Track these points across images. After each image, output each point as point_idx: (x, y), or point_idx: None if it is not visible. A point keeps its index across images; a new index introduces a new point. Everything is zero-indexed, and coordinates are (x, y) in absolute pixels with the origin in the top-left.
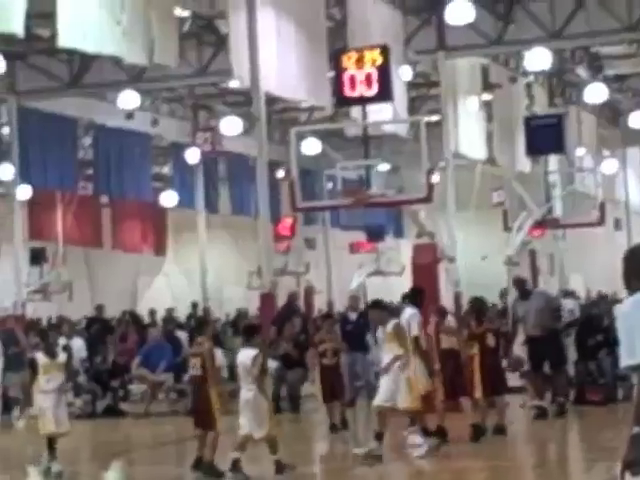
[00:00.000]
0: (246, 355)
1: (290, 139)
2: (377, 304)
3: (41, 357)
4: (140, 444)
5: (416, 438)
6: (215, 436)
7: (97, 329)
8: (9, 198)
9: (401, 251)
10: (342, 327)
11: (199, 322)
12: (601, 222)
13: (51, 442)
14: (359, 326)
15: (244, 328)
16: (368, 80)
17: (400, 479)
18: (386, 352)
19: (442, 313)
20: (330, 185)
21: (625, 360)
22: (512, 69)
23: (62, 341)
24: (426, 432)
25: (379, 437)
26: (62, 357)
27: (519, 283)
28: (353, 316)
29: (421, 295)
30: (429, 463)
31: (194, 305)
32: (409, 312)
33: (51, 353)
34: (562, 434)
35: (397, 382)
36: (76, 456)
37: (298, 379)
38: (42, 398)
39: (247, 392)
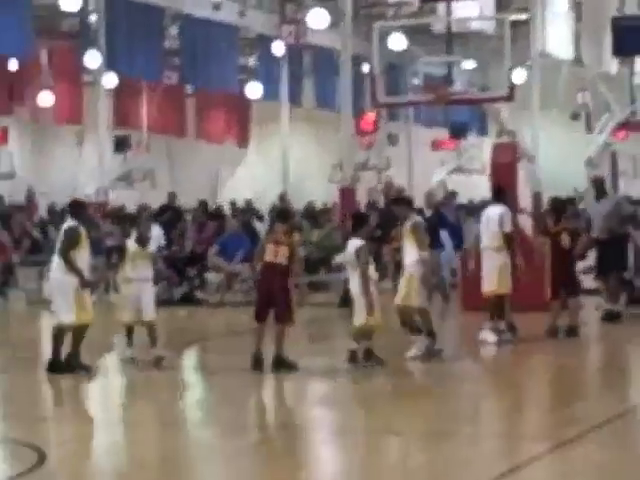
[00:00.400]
0: (353, 245)
1: (374, 34)
2: (401, 200)
3: (132, 244)
4: (215, 333)
5: (488, 335)
6: (286, 329)
7: (169, 217)
8: (96, 86)
9: (483, 149)
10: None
11: (282, 211)
12: None
13: (130, 330)
14: (433, 223)
15: (353, 217)
16: None
17: (468, 374)
18: (407, 249)
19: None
20: (415, 81)
21: None
22: None
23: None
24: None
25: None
26: (152, 246)
27: (597, 182)
28: (428, 213)
29: (506, 193)
30: (498, 358)
31: (281, 197)
32: (499, 209)
33: (142, 241)
34: (634, 337)
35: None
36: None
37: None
38: (125, 286)
39: (353, 284)
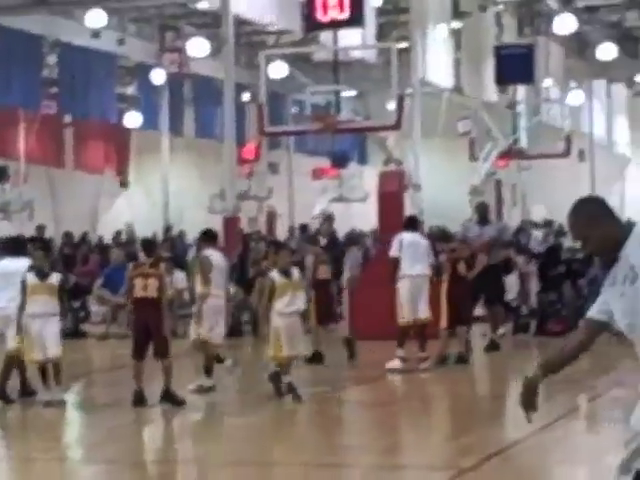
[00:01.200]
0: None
1: (259, 62)
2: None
3: (31, 278)
4: (100, 366)
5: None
6: (171, 362)
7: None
8: None
9: (364, 178)
10: None
11: (147, 243)
12: (567, 154)
13: (42, 370)
14: (329, 251)
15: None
16: (340, 4)
17: (362, 403)
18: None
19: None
20: (295, 109)
21: None
22: None
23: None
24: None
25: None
26: (54, 278)
27: (480, 208)
28: (323, 241)
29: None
30: (396, 388)
31: (167, 229)
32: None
33: (41, 274)
34: (523, 364)
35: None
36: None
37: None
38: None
39: None
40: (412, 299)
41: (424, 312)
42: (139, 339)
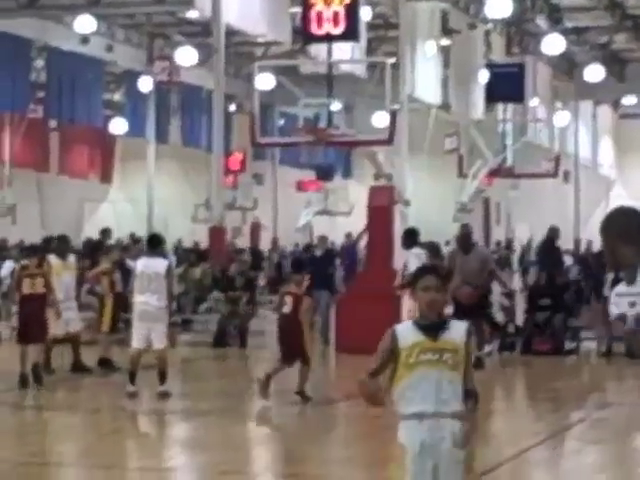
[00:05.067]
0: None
1: (252, 73)
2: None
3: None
4: None
5: None
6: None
7: None
8: None
9: (349, 191)
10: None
11: (30, 247)
12: (555, 174)
13: None
14: (325, 263)
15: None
16: (335, 18)
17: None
18: None
19: None
20: (282, 121)
21: None
22: (472, 15)
23: (9, 264)
24: None
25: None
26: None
27: (464, 238)
28: (319, 253)
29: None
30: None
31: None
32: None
33: None
34: (509, 383)
35: None
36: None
37: (247, 314)
38: None
39: None
40: None
41: None
42: (24, 327)
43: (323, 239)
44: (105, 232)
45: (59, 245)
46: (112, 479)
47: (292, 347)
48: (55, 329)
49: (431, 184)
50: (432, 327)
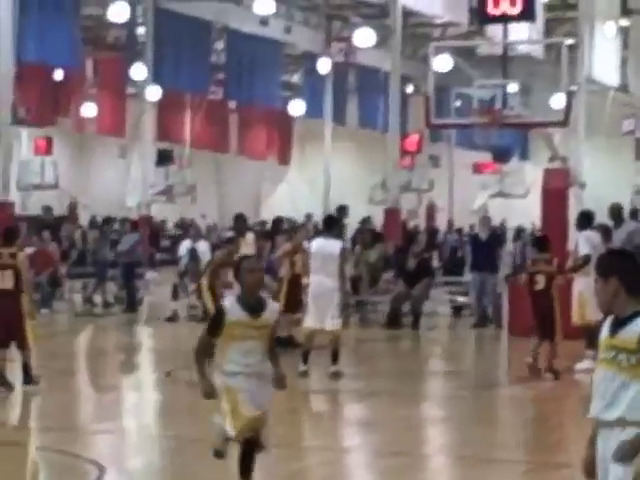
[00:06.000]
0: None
1: (428, 54)
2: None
3: None
4: None
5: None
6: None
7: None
8: (140, 98)
9: (525, 174)
10: (472, 246)
11: (7, 231)
12: None
13: None
14: (489, 246)
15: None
16: None
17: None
18: None
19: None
20: (458, 103)
21: None
22: None
23: (187, 244)
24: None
25: None
26: None
27: (614, 210)
28: (484, 236)
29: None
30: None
31: (308, 216)
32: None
33: None
34: None
35: None
36: None
37: (421, 295)
38: None
39: None
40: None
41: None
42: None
43: (486, 220)
44: (276, 222)
45: (237, 224)
46: (285, 458)
47: (545, 323)
48: None
49: (608, 166)
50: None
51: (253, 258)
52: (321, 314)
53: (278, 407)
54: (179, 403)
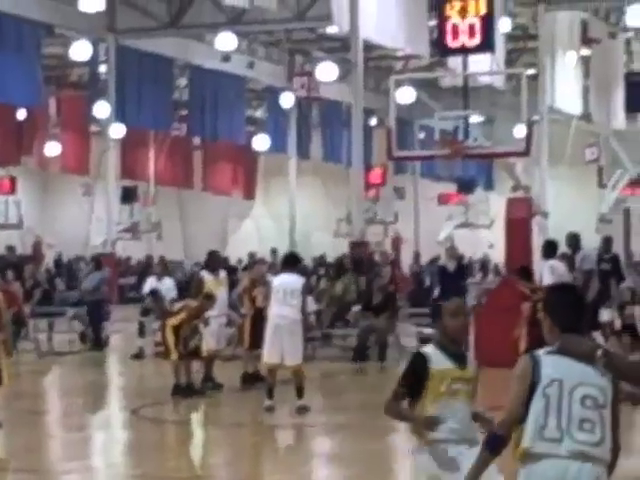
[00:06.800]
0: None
1: (389, 86)
2: None
3: None
4: None
5: None
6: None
7: None
8: (103, 136)
9: (490, 204)
10: (440, 277)
11: None
12: None
13: None
14: (457, 277)
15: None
16: (471, 30)
17: None
18: None
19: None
20: (422, 135)
21: None
22: (612, 24)
23: (152, 281)
24: None
25: None
26: None
27: (570, 238)
28: (451, 267)
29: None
30: None
31: (274, 251)
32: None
33: None
34: None
35: None
36: None
37: (386, 328)
38: None
39: None
40: None
41: None
42: None
43: (453, 251)
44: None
45: (210, 261)
46: None
47: None
48: (210, 344)
49: (572, 195)
50: None
51: (457, 299)
52: (280, 349)
53: (244, 442)
54: (146, 441)
